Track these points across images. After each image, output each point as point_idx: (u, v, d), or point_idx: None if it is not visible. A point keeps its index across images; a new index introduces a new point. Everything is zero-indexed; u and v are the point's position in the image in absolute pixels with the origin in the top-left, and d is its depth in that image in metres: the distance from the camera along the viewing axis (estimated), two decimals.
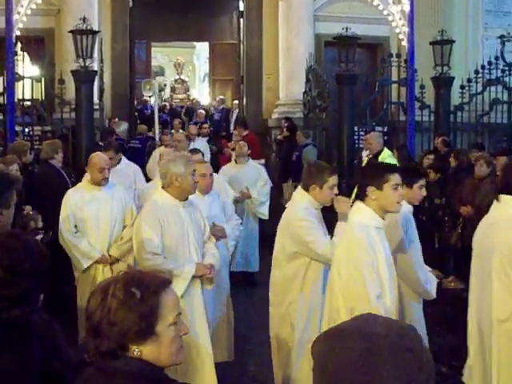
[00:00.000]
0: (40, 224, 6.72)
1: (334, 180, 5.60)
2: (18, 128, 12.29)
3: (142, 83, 18.85)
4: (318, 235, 5.44)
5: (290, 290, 5.55)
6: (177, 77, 29.42)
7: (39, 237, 6.52)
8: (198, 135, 14.72)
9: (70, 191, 7.37)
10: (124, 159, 9.47)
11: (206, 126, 16.31)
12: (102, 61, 14.20)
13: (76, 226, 7.14)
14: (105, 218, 7.13)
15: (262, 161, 13.34)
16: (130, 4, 17.69)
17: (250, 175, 10.56)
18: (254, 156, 11.79)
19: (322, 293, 5.29)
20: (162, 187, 5.65)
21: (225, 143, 15.86)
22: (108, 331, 2.39)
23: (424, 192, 5.63)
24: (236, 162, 10.78)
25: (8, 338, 2.66)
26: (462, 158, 10.72)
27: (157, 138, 12.96)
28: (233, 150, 11.79)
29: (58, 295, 6.93)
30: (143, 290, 2.42)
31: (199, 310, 5.58)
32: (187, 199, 5.69)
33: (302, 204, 5.60)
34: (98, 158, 7.16)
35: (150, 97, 23.13)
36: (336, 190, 5.60)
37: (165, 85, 29.89)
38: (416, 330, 1.80)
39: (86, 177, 7.40)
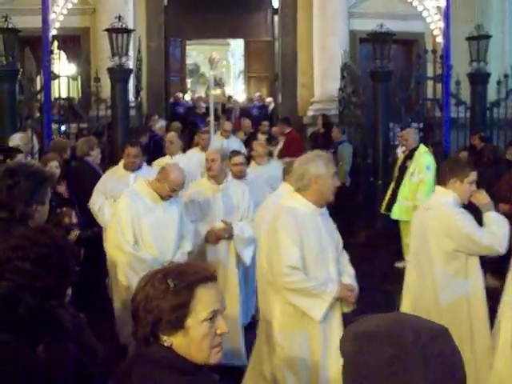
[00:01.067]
0: (75, 220, 6.79)
1: (474, 176, 5.54)
2: (54, 126, 12.41)
3: (194, 77, 18.30)
4: (477, 228, 5.34)
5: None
6: (212, 72, 29.24)
7: (76, 233, 6.60)
8: (233, 133, 14.66)
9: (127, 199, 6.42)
10: (144, 165, 8.46)
11: (265, 123, 15.46)
12: (138, 59, 14.23)
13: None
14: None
15: None
16: (165, 2, 17.78)
17: (272, 176, 8.78)
18: (294, 154, 11.38)
19: None
20: (296, 191, 4.93)
21: None
22: (143, 318, 2.45)
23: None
24: (257, 163, 9.42)
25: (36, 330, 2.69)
26: (493, 154, 10.60)
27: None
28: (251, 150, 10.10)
29: (91, 292, 6.97)
30: (178, 283, 2.45)
31: (335, 335, 4.75)
32: (323, 206, 4.99)
33: (447, 199, 5.46)
34: (176, 175, 6.26)
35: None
36: (474, 187, 5.50)
37: (220, 79, 28.88)
38: (448, 332, 1.76)
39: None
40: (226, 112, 20.85)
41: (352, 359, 1.73)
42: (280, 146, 13.39)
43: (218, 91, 25.03)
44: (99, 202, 7.83)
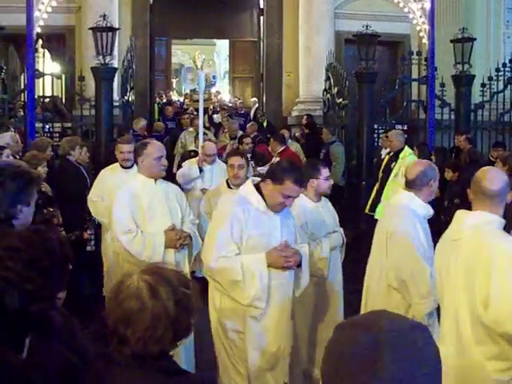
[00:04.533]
0: (60, 219, 6.79)
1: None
2: (38, 125, 12.34)
3: (182, 72, 17.87)
4: None
5: None
6: (204, 70, 28.88)
7: (76, 233, 6.66)
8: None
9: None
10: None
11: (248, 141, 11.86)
12: (129, 59, 14.03)
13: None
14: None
15: None
16: (151, 1, 17.75)
17: None
18: None
19: None
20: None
21: (265, 149, 12.62)
22: (162, 334, 2.51)
23: None
24: (229, 187, 7.77)
25: (25, 333, 2.67)
26: (473, 156, 10.68)
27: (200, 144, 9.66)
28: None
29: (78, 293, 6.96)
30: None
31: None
32: None
33: None
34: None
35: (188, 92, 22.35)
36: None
37: (214, 77, 28.12)
38: (425, 326, 1.80)
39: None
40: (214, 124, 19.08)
41: (331, 347, 1.78)
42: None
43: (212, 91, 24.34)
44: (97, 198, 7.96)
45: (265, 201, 4.96)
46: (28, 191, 3.96)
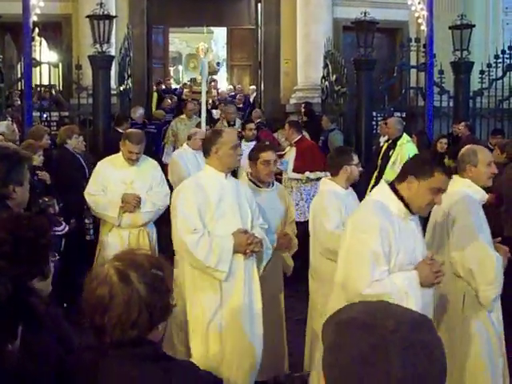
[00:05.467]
0: (57, 208, 6.77)
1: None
2: (35, 114, 12.30)
3: (184, 59, 17.34)
4: None
5: None
6: (208, 58, 28.49)
7: (62, 228, 6.62)
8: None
9: None
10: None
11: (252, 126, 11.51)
12: (126, 47, 13.97)
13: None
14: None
15: (322, 174, 9.42)
16: None
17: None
18: (315, 166, 10.17)
19: None
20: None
21: (265, 135, 12.40)
22: (137, 317, 2.51)
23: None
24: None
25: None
26: (472, 143, 10.64)
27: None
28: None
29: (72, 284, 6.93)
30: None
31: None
32: None
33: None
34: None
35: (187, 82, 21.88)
36: None
37: (218, 64, 27.15)
38: (430, 321, 1.76)
39: None
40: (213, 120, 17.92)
41: (332, 347, 1.72)
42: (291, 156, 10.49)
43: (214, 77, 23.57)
44: (94, 192, 7.33)
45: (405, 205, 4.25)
46: (18, 170, 4.00)
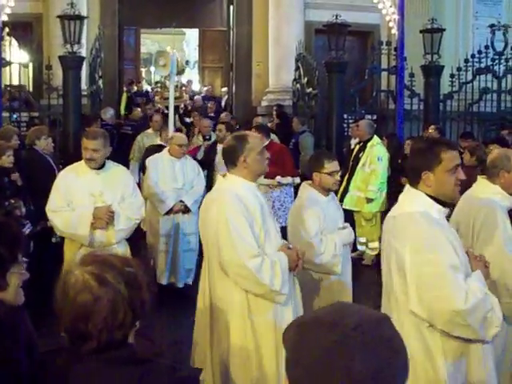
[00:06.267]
0: (23, 210, 6.69)
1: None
2: (5, 114, 12.20)
3: (154, 56, 17.05)
4: None
5: None
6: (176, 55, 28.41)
7: (28, 229, 6.53)
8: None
9: None
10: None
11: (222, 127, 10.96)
12: (96, 48, 13.86)
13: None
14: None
15: (295, 180, 10.02)
16: None
17: None
18: (287, 171, 10.10)
19: None
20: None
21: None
22: (121, 318, 2.50)
23: None
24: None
25: None
26: None
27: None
28: None
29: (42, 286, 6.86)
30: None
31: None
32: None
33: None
34: None
35: (159, 90, 21.75)
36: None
37: (187, 62, 26.94)
38: (389, 318, 1.78)
39: None
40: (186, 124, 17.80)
41: (294, 348, 1.73)
42: None
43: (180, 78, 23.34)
44: (58, 208, 6.50)
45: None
46: None
